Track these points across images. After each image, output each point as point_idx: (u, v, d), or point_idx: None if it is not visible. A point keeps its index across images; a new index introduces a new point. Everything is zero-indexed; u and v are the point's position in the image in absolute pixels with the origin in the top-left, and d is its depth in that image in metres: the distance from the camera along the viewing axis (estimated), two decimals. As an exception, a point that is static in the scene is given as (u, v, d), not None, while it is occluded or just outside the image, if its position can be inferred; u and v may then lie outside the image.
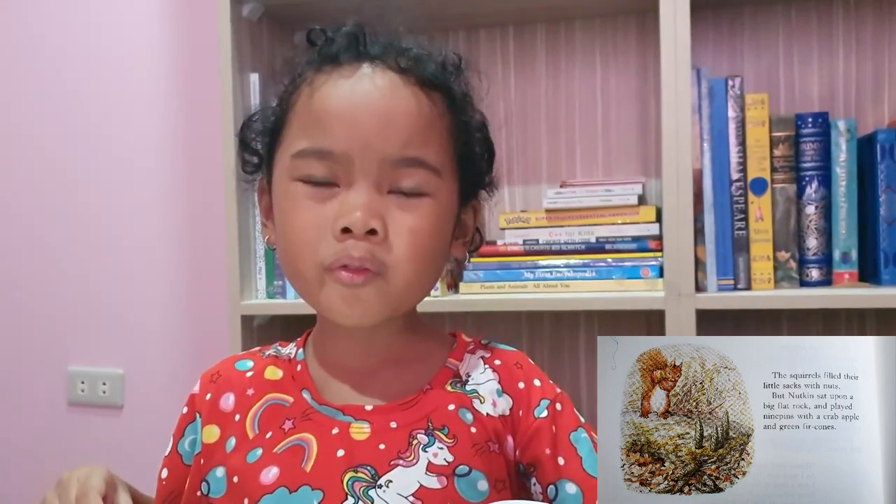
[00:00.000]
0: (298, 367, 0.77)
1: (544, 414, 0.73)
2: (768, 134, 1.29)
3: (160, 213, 1.82)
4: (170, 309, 1.83)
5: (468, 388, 0.74)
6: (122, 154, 1.84)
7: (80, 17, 1.86)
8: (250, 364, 0.80)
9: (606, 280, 1.36)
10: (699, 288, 1.28)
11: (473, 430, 0.71)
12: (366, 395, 0.73)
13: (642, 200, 1.41)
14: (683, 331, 1.24)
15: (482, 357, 0.77)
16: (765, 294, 1.27)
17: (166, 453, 0.79)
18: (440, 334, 0.81)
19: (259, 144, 0.77)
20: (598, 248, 1.39)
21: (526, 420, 0.73)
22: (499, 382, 0.74)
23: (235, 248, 1.43)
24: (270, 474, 0.69)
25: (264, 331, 1.49)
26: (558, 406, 0.74)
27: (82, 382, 1.88)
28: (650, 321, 1.52)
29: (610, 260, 1.37)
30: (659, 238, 1.34)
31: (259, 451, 0.71)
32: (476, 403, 0.73)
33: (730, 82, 1.29)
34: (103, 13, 1.85)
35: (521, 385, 0.74)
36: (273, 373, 0.78)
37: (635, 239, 1.37)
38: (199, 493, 0.74)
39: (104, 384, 1.86)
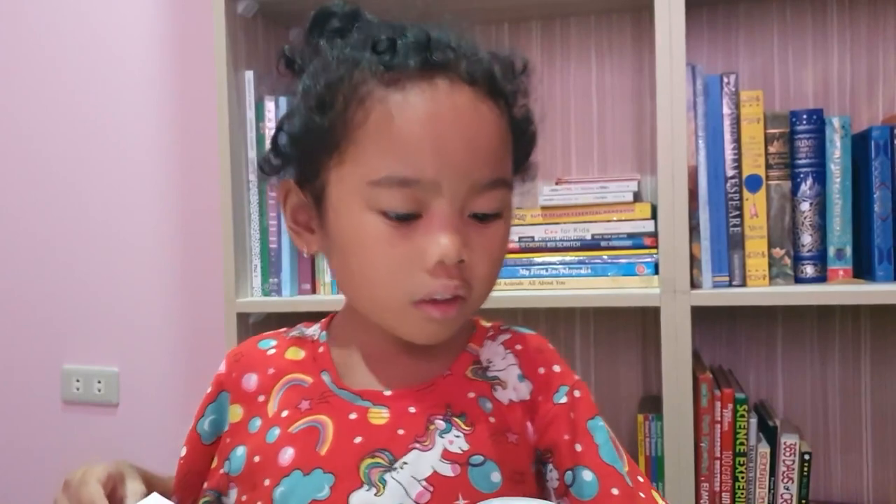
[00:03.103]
0: (320, 349, 0.76)
1: (563, 400, 0.73)
2: (763, 131, 1.30)
3: (155, 211, 1.82)
4: (165, 307, 1.82)
5: (489, 374, 0.74)
6: (117, 152, 1.84)
7: (77, 17, 1.86)
8: (273, 343, 0.80)
9: (602, 277, 1.37)
10: (694, 285, 1.28)
11: (492, 419, 0.70)
12: (385, 381, 0.73)
13: (637, 197, 1.41)
14: (679, 327, 1.24)
15: (503, 342, 0.77)
16: (760, 291, 1.27)
17: (188, 432, 0.79)
18: None
19: (296, 148, 0.73)
20: (593, 245, 1.39)
21: (545, 406, 0.72)
22: (520, 367, 0.74)
23: (231, 246, 1.43)
24: (287, 455, 0.70)
25: (260, 328, 1.49)
26: (577, 393, 0.74)
27: (77, 381, 1.87)
28: (646, 318, 1.52)
29: (605, 257, 1.37)
30: (654, 235, 1.35)
31: (277, 431, 0.72)
32: (496, 392, 0.73)
33: (725, 79, 1.29)
34: (99, 12, 1.84)
35: (542, 370, 0.74)
36: (295, 353, 0.77)
37: (631, 236, 1.37)
38: (221, 471, 0.75)
39: (99, 382, 1.86)
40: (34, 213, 1.90)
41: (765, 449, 1.31)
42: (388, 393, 0.71)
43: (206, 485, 0.76)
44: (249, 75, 1.46)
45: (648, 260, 1.35)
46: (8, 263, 1.93)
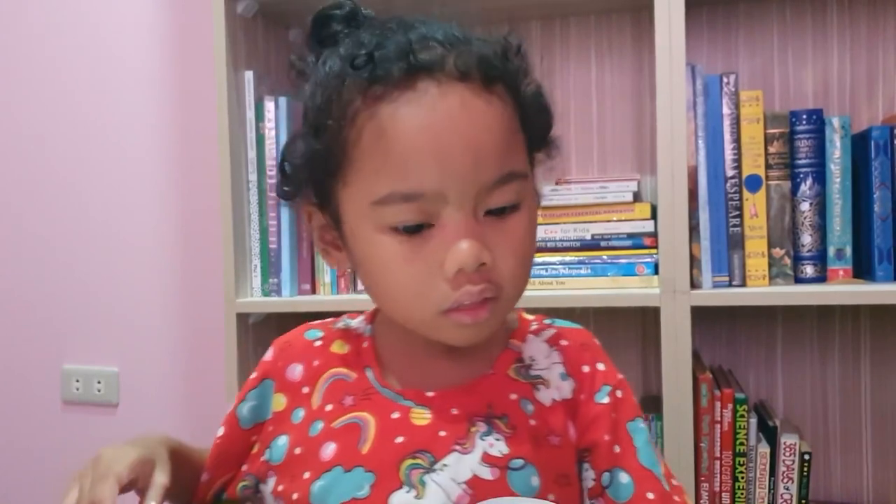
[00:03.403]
0: (365, 344, 0.76)
1: (605, 400, 0.72)
2: (763, 131, 1.30)
3: (155, 212, 1.82)
4: (165, 307, 1.82)
5: (532, 373, 0.73)
6: (117, 152, 1.84)
7: (76, 17, 1.86)
8: (320, 334, 0.79)
9: (602, 277, 1.37)
10: (694, 285, 1.28)
11: (533, 422, 0.70)
12: (428, 379, 0.72)
13: (637, 197, 1.41)
14: (679, 327, 1.24)
15: (547, 339, 0.75)
16: (759, 291, 1.27)
17: (227, 413, 0.79)
18: None
19: (302, 174, 0.71)
20: (593, 245, 1.39)
21: (587, 405, 0.72)
22: (563, 365, 0.73)
23: (231, 246, 1.43)
24: (329, 450, 0.70)
25: (259, 328, 1.49)
26: (619, 393, 0.73)
27: (77, 381, 1.87)
28: (645, 318, 1.52)
29: (605, 257, 1.37)
30: (654, 235, 1.35)
31: (320, 425, 0.72)
32: (538, 393, 0.72)
33: (724, 79, 1.29)
34: (99, 12, 1.84)
35: (586, 369, 0.73)
36: (340, 346, 0.77)
37: (630, 236, 1.37)
38: (262, 459, 0.75)
39: (99, 382, 1.86)
40: (34, 214, 1.90)
41: (765, 449, 1.31)
42: (430, 394, 0.71)
43: (245, 468, 0.77)
44: (249, 75, 1.46)
45: (648, 260, 1.35)
46: (8, 264, 1.93)
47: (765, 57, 1.49)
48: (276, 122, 1.46)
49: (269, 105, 1.46)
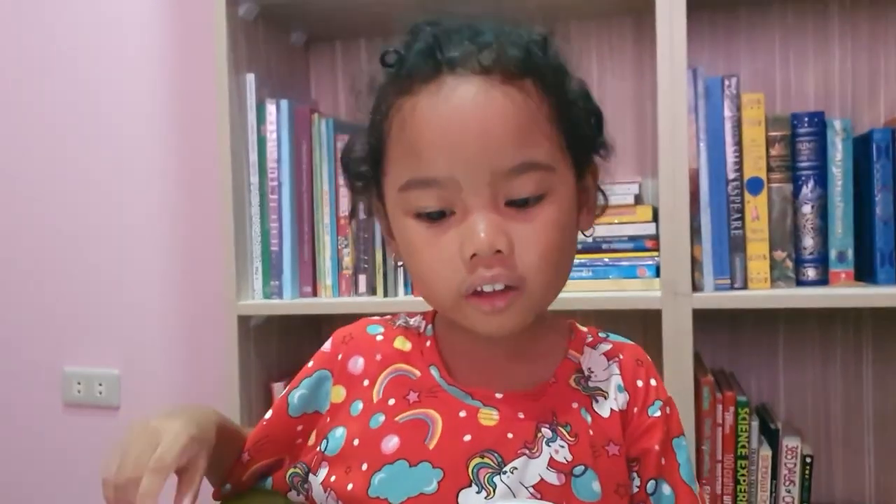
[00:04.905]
0: (428, 343, 0.77)
1: (657, 413, 0.74)
2: (764, 133, 1.30)
3: (156, 214, 1.82)
4: (166, 309, 1.82)
5: (591, 384, 0.75)
6: (118, 155, 1.84)
7: (76, 18, 1.86)
8: (381, 329, 0.80)
9: (603, 280, 1.37)
10: (696, 287, 1.28)
11: (591, 432, 0.71)
12: (492, 382, 0.73)
13: (639, 200, 1.41)
14: (680, 330, 1.24)
15: (604, 352, 0.77)
16: (761, 293, 1.27)
17: (278, 398, 0.80)
18: (558, 323, 0.80)
19: (363, 170, 0.75)
20: (594, 247, 1.39)
21: (639, 417, 0.74)
22: (621, 377, 0.75)
23: (232, 249, 1.43)
24: (391, 444, 0.70)
25: (261, 331, 1.49)
26: (668, 409, 0.75)
27: (78, 383, 1.87)
28: (647, 321, 1.52)
29: (607, 259, 1.37)
30: (656, 237, 1.34)
31: (381, 418, 0.72)
32: (596, 404, 0.73)
33: (726, 82, 1.29)
34: (99, 14, 1.84)
35: (640, 383, 0.75)
36: (402, 343, 0.78)
37: (632, 238, 1.37)
38: (318, 449, 0.76)
39: (100, 385, 1.86)
40: (35, 217, 1.90)
41: (766, 452, 1.31)
42: (499, 395, 0.72)
43: (301, 458, 0.78)
44: (250, 78, 1.46)
45: (650, 262, 1.35)
46: (9, 266, 1.93)
47: (766, 59, 1.49)
48: (277, 124, 1.46)
49: (271, 108, 1.46)
